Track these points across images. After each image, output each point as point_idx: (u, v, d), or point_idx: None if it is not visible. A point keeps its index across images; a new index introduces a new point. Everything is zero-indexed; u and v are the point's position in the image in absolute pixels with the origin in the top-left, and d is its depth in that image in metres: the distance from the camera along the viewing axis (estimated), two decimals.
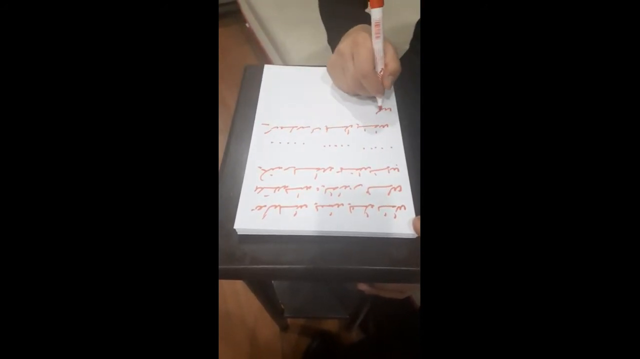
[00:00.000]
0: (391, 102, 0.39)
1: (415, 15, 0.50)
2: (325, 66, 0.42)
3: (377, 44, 0.33)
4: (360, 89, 0.37)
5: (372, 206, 0.30)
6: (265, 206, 0.30)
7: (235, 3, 1.38)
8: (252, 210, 0.29)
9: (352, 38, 0.35)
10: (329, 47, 0.46)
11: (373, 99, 0.39)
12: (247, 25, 1.37)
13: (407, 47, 0.56)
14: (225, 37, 1.54)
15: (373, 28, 0.33)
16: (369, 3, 0.32)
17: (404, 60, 0.54)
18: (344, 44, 0.36)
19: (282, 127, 0.36)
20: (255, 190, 0.31)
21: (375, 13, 0.32)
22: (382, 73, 0.35)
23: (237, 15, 1.45)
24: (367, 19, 0.35)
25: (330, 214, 0.29)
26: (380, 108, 0.38)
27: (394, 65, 0.35)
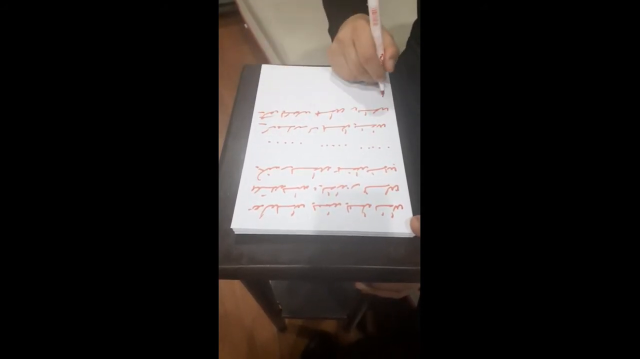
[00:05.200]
0: (388, 102, 0.39)
1: (412, 16, 0.50)
2: (323, 66, 0.43)
3: (376, 31, 0.34)
4: (362, 74, 0.38)
5: (370, 205, 0.30)
6: (262, 205, 0.30)
7: (234, 4, 1.37)
8: (249, 210, 0.29)
9: (351, 25, 0.36)
10: (326, 47, 0.46)
11: (374, 86, 0.40)
12: (245, 25, 1.37)
13: (404, 47, 0.56)
14: (224, 38, 1.54)
15: (371, 15, 0.34)
16: None
17: (401, 59, 0.54)
18: (343, 32, 0.37)
19: (279, 127, 0.36)
20: (252, 190, 0.31)
21: (372, 1, 0.33)
22: (382, 58, 0.36)
23: (235, 15, 1.45)
24: (366, 9, 0.36)
25: (328, 214, 0.29)
26: (382, 93, 0.39)
27: (393, 49, 0.36)
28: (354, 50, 0.36)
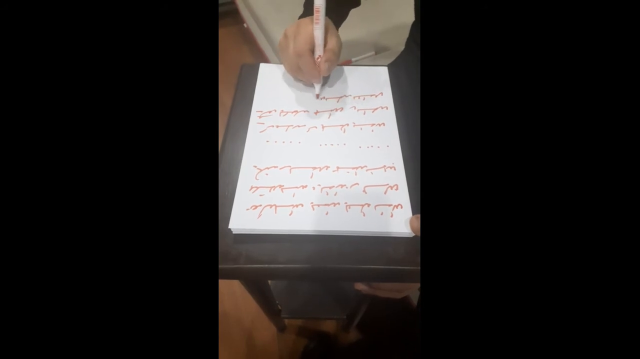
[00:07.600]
0: (388, 101, 0.39)
1: (410, 16, 0.50)
2: None
3: (317, 30, 0.34)
4: (297, 71, 0.37)
5: (369, 205, 0.30)
6: (260, 205, 0.29)
7: (233, 3, 1.37)
8: (247, 209, 0.29)
9: (298, 21, 0.36)
10: None
11: (311, 86, 0.39)
12: (245, 25, 1.37)
13: (402, 47, 0.56)
14: (223, 38, 1.54)
15: (314, 14, 0.33)
16: None
17: (400, 59, 0.54)
18: (290, 27, 0.37)
19: (277, 126, 0.36)
20: (250, 189, 0.30)
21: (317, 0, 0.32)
22: (319, 59, 0.35)
23: (235, 15, 1.45)
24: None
25: (327, 214, 0.29)
26: (317, 96, 0.38)
27: (331, 54, 0.35)
28: (292, 45, 0.35)
